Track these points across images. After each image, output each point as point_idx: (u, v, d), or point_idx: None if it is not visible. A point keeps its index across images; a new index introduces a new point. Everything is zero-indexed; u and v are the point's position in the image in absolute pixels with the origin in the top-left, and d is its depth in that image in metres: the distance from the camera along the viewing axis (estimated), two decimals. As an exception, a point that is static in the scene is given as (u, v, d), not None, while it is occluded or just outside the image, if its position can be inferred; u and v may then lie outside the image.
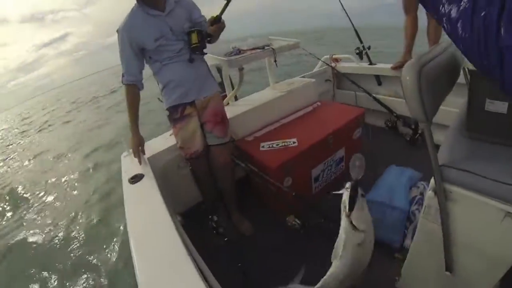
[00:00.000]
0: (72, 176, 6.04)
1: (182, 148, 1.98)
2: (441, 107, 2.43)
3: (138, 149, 1.87)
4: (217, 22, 1.83)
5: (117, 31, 1.81)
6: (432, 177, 1.10)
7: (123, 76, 1.83)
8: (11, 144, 11.26)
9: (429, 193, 1.15)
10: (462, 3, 0.47)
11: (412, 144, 2.79)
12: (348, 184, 1.09)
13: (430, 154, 1.04)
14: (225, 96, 2.62)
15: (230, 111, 2.42)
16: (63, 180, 5.97)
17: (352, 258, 1.14)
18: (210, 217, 1.76)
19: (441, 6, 0.52)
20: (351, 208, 1.05)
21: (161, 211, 1.34)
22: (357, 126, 2.42)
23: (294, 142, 2.12)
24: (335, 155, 2.33)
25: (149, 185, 1.60)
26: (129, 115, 1.89)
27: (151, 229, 1.28)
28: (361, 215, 1.09)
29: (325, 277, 1.28)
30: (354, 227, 1.08)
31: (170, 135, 2.09)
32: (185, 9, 1.91)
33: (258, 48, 2.50)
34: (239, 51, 2.49)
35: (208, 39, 1.90)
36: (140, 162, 1.81)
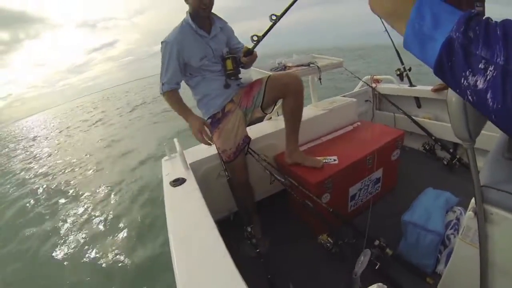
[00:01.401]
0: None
1: (224, 151, 2.05)
2: (491, 133, 2.42)
3: (204, 128, 1.95)
4: (250, 54, 1.98)
5: (162, 42, 1.94)
6: (473, 198, 1.10)
7: (163, 85, 1.95)
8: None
9: (468, 213, 1.14)
10: (488, 72, 0.42)
11: (450, 168, 2.77)
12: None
13: (472, 174, 1.04)
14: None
15: (272, 126, 2.54)
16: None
17: None
18: (245, 227, 1.79)
19: (463, 79, 0.45)
20: None
21: (204, 214, 1.40)
22: (396, 148, 2.44)
23: (334, 160, 2.18)
24: (373, 175, 2.36)
25: (192, 188, 1.66)
26: (180, 110, 2.01)
27: (192, 231, 1.32)
28: None
29: None
30: None
31: (213, 144, 2.17)
32: (225, 35, 2.08)
33: (303, 65, 2.58)
34: (284, 67, 2.59)
35: (242, 65, 2.07)
36: (208, 142, 1.94)
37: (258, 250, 1.78)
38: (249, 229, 1.78)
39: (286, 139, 2.19)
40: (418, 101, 3.23)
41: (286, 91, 2.05)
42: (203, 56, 1.95)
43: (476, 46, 0.42)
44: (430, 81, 3.05)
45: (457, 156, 2.70)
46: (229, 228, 1.93)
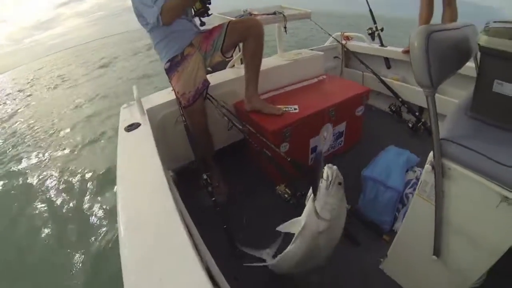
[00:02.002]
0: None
1: (182, 94, 1.97)
2: (450, 98, 2.41)
3: None
4: None
5: None
6: (431, 151, 1.06)
7: (154, 4, 1.76)
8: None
9: (426, 167, 1.11)
10: None
11: (414, 131, 2.76)
12: (327, 168, 1.09)
13: (432, 124, 0.99)
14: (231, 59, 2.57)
15: (235, 73, 2.42)
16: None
17: (309, 244, 1.13)
18: (201, 175, 1.73)
19: None
20: (314, 191, 1.06)
21: (153, 160, 1.32)
22: (360, 104, 2.38)
23: (295, 109, 2.09)
24: (335, 129, 2.30)
25: (145, 133, 1.59)
26: None
27: (140, 176, 1.26)
28: (329, 203, 1.07)
29: (281, 255, 1.30)
30: (317, 214, 1.06)
31: (171, 90, 2.08)
32: None
33: (269, 13, 2.46)
34: (249, 15, 2.46)
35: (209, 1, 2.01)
36: None
37: (214, 199, 1.73)
38: (205, 177, 1.72)
39: (246, 84, 2.10)
40: (387, 62, 3.18)
41: (246, 34, 1.99)
42: None
43: None
44: (402, 44, 3.00)
45: (422, 120, 2.68)
46: (190, 177, 1.86)
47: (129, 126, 1.64)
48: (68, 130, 6.33)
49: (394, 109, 2.98)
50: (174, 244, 0.86)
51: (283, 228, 1.24)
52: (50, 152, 5.46)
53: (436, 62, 0.91)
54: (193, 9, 2.02)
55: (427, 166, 1.10)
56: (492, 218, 0.99)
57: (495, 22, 1.05)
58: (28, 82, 14.38)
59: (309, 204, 1.09)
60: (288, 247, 1.28)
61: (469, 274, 1.19)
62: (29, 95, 11.46)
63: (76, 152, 5.20)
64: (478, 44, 1.05)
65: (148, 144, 1.45)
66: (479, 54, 1.11)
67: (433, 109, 0.98)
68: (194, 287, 0.74)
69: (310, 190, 1.11)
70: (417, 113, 2.72)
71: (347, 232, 1.80)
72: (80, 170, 4.45)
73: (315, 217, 1.07)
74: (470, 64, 1.24)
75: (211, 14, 2.12)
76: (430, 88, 0.94)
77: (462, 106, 1.25)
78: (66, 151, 5.36)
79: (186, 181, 2.07)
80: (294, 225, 1.19)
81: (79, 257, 2.82)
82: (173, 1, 1.77)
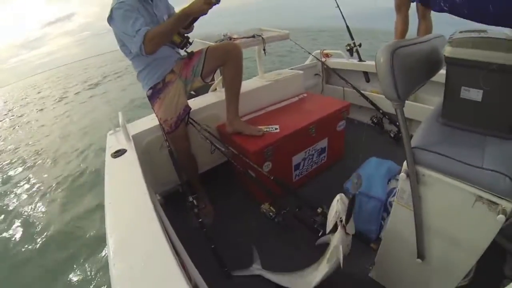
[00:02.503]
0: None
1: (165, 121, 2.01)
2: (423, 105, 2.47)
3: None
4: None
5: (119, 3, 1.77)
6: (405, 160, 1.10)
7: (137, 32, 1.72)
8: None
9: (401, 175, 1.15)
10: None
11: (396, 141, 2.82)
12: (339, 196, 1.32)
13: (403, 134, 1.05)
14: (213, 82, 2.63)
15: (216, 97, 2.47)
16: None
17: (339, 258, 1.29)
18: (187, 198, 1.76)
19: None
20: (347, 221, 1.26)
21: (139, 185, 1.34)
22: (341, 119, 2.44)
23: (276, 129, 2.14)
24: (317, 145, 2.35)
25: (131, 159, 1.62)
26: (173, 19, 1.81)
27: (127, 202, 1.28)
28: (352, 223, 1.27)
29: (318, 275, 1.45)
30: (347, 234, 1.28)
31: (155, 117, 2.13)
32: (164, 2, 2.07)
33: (248, 37, 2.53)
34: (229, 39, 2.53)
35: (185, 32, 2.07)
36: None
37: (200, 220, 1.74)
38: (190, 199, 1.74)
39: (227, 108, 2.15)
40: (367, 76, 3.26)
41: (225, 58, 2.04)
42: (149, 22, 1.85)
43: None
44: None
45: (403, 129, 2.73)
46: (177, 200, 1.88)
47: (115, 152, 1.67)
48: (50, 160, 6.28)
49: (375, 121, 3.05)
50: (162, 265, 0.89)
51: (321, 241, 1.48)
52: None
53: (402, 76, 0.95)
54: (174, 43, 2.02)
55: (402, 174, 1.14)
56: (469, 218, 1.02)
57: (461, 32, 1.12)
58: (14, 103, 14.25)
59: (338, 231, 1.29)
60: (322, 268, 1.45)
61: (454, 274, 1.22)
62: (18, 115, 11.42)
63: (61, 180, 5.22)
64: (444, 55, 1.12)
65: (134, 169, 1.48)
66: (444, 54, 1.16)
67: (403, 120, 1.03)
68: None
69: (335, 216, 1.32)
70: (398, 123, 2.78)
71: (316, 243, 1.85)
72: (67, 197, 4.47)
73: (345, 236, 1.29)
74: (442, 71, 1.28)
75: (193, 41, 2.15)
76: (397, 101, 0.99)
77: (434, 114, 1.31)
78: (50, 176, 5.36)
79: (173, 204, 2.11)
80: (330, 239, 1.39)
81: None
82: (156, 30, 1.76)
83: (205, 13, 1.79)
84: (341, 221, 1.28)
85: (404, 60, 0.96)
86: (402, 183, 1.17)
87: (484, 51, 1.01)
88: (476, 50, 1.02)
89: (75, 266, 2.91)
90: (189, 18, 1.84)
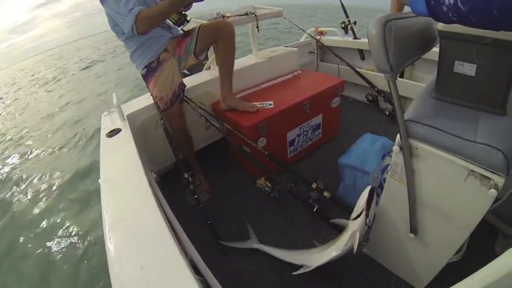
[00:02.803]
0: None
1: (160, 98, 2.01)
2: (417, 83, 2.45)
3: None
4: None
5: None
6: (398, 133, 1.10)
7: (130, 12, 1.69)
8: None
9: (394, 148, 1.14)
10: None
11: (392, 119, 2.79)
12: (369, 188, 1.33)
13: (396, 107, 1.04)
14: (207, 60, 2.62)
15: (210, 74, 2.46)
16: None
17: (354, 243, 1.36)
18: (182, 174, 1.76)
19: (442, 6, 0.59)
20: (367, 212, 1.31)
21: (134, 163, 1.35)
22: (336, 95, 2.43)
23: (270, 104, 2.14)
24: (312, 121, 2.35)
25: (126, 137, 1.62)
26: (164, 4, 1.76)
27: (123, 180, 1.28)
28: (373, 214, 1.36)
29: (330, 254, 1.49)
30: (366, 224, 1.33)
31: (150, 95, 2.13)
32: None
33: (241, 14, 2.51)
34: (222, 17, 2.50)
35: (184, 9, 2.04)
36: None
37: (196, 197, 1.75)
38: (186, 176, 1.75)
39: (220, 85, 2.15)
40: (362, 53, 3.25)
41: (218, 35, 2.03)
42: (142, 2, 1.80)
43: None
44: None
45: (399, 106, 2.73)
46: (173, 177, 1.88)
47: (110, 132, 1.68)
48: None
49: (371, 99, 3.06)
50: (157, 239, 0.90)
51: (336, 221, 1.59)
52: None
53: (394, 48, 0.94)
54: (171, 20, 2.05)
55: (395, 147, 1.14)
56: (462, 192, 1.02)
57: None
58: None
59: (360, 218, 1.34)
60: (337, 244, 1.48)
61: (446, 248, 1.23)
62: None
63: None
64: (437, 29, 1.11)
65: (129, 148, 1.49)
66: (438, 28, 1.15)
67: (395, 92, 1.02)
68: (176, 277, 0.78)
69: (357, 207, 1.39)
70: (392, 100, 2.78)
71: (328, 220, 1.86)
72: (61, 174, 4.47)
73: (364, 225, 1.33)
74: (437, 49, 1.27)
75: (190, 19, 2.15)
76: (390, 73, 0.98)
77: (428, 89, 1.30)
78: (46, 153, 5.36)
79: (169, 182, 2.12)
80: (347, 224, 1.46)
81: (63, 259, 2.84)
82: (150, 11, 1.72)
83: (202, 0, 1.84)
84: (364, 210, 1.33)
85: (396, 33, 0.95)
86: (396, 156, 1.18)
87: None
88: None
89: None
90: (185, 2, 1.81)
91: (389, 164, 1.87)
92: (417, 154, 1.10)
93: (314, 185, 1.82)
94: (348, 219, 1.83)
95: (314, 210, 1.81)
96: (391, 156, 1.94)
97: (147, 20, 1.69)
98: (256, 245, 1.80)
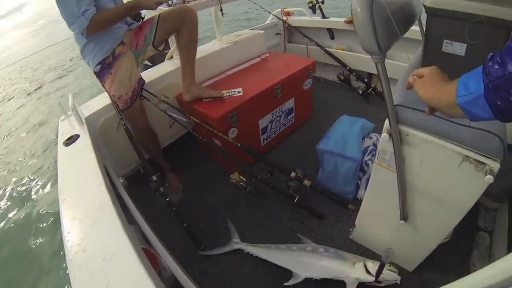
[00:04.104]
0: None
1: (119, 97, 1.84)
2: (399, 63, 2.39)
3: None
4: None
5: None
6: (387, 119, 1.03)
7: (84, 14, 1.59)
8: None
9: (383, 135, 1.08)
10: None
11: (365, 97, 2.78)
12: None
13: (385, 92, 0.95)
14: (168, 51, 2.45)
15: (173, 65, 2.28)
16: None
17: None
18: (149, 177, 1.66)
19: None
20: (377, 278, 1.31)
21: (93, 172, 1.24)
22: (308, 77, 2.34)
23: (239, 92, 2.01)
24: (284, 105, 2.26)
25: (84, 145, 1.49)
26: (121, 9, 1.73)
27: (81, 190, 1.19)
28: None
29: (321, 272, 1.45)
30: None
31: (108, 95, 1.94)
32: None
33: (203, -2, 2.34)
34: (183, 2, 2.32)
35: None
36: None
37: (168, 199, 1.65)
38: (154, 178, 1.65)
39: (182, 75, 2.01)
40: (331, 33, 3.17)
41: (179, 23, 1.91)
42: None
43: (503, 70, 0.50)
44: (346, 15, 2.98)
45: (372, 86, 2.69)
46: (141, 180, 1.80)
47: (67, 139, 1.54)
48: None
49: (342, 78, 2.98)
50: (125, 266, 0.83)
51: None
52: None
53: (382, 27, 0.87)
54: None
55: (384, 135, 1.07)
56: (456, 178, 0.99)
57: None
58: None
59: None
60: (331, 267, 1.46)
61: (437, 233, 1.21)
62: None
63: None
64: (424, 6, 1.03)
65: (88, 156, 1.37)
66: (424, 16, 1.08)
67: (384, 76, 0.94)
68: None
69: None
70: (366, 80, 2.73)
71: (310, 209, 1.78)
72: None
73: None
74: (415, 27, 1.23)
75: (145, 15, 2.05)
76: (379, 55, 0.90)
77: (412, 69, 1.22)
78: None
79: (139, 185, 1.97)
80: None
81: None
82: (106, 15, 1.65)
83: (154, 9, 1.77)
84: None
85: (383, 10, 0.87)
86: (384, 143, 1.12)
87: (469, 1, 0.93)
88: (461, 0, 0.94)
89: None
90: (139, 9, 1.84)
91: (369, 146, 1.83)
92: (407, 141, 1.04)
93: (293, 174, 1.76)
94: (331, 199, 1.78)
95: (295, 201, 1.74)
96: (370, 137, 1.90)
97: (100, 25, 1.66)
98: (238, 245, 1.71)
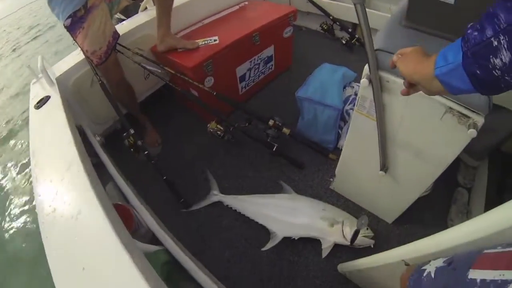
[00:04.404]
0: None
1: (93, 52, 1.75)
2: (383, 13, 2.32)
3: None
4: None
5: None
6: (366, 64, 0.97)
7: None
8: None
9: (363, 81, 1.03)
10: (501, 41, 0.46)
11: (349, 48, 2.72)
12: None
13: (364, 35, 0.88)
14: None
15: (148, 15, 2.19)
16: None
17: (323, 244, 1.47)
18: (125, 133, 1.65)
19: (493, 70, 0.48)
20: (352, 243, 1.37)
21: (63, 130, 1.23)
22: (288, 25, 2.27)
23: (215, 40, 1.96)
24: (263, 53, 2.21)
25: (55, 105, 1.45)
26: None
27: (52, 151, 1.18)
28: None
29: (299, 231, 1.50)
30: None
31: (80, 51, 1.85)
32: None
33: None
34: None
35: None
36: None
37: (146, 152, 1.63)
38: (132, 132, 1.63)
39: (158, 24, 1.92)
40: None
41: None
42: None
43: (481, 36, 0.48)
44: None
45: (356, 36, 2.63)
46: (120, 137, 1.75)
47: (38, 102, 1.50)
48: None
49: (326, 28, 2.88)
50: (98, 240, 0.82)
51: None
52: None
53: None
54: None
55: (364, 80, 1.03)
56: (438, 130, 0.97)
57: None
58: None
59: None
60: (311, 226, 1.50)
61: (417, 186, 1.22)
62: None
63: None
64: None
65: (59, 115, 1.35)
66: None
67: (364, 18, 0.86)
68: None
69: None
70: (350, 30, 2.66)
71: (289, 158, 1.79)
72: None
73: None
74: None
75: None
76: None
77: (396, 17, 1.16)
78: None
79: (118, 141, 1.97)
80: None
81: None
82: None
83: None
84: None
85: None
86: (363, 90, 1.08)
87: None
88: None
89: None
90: None
91: (350, 96, 1.81)
92: (388, 87, 1.00)
93: (271, 122, 1.74)
94: (311, 147, 1.78)
95: (274, 149, 1.74)
96: (352, 87, 1.87)
97: None
98: (217, 197, 1.74)
